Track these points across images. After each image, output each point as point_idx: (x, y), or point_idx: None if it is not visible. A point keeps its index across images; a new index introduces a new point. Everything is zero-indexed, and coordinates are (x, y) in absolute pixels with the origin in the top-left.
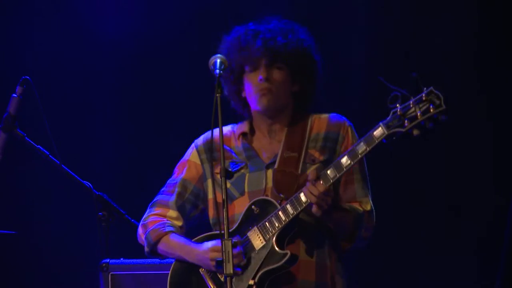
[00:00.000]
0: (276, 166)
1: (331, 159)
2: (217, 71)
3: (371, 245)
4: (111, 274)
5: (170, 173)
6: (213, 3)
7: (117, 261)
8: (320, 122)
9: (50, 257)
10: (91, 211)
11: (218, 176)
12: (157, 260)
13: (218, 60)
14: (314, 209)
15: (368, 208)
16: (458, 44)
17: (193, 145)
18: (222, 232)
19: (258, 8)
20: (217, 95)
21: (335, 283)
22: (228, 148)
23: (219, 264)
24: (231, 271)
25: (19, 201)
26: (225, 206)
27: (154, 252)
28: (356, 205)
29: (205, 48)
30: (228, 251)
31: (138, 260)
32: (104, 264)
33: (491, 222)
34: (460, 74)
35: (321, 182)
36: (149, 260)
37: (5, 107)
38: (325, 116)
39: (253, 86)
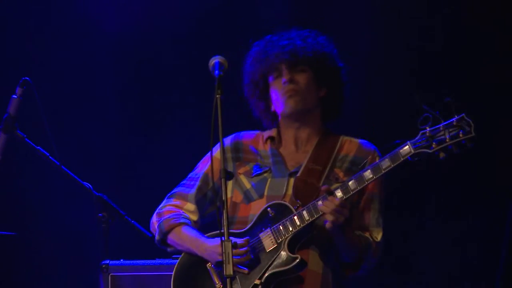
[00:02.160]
0: (298, 174)
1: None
2: (217, 72)
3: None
4: (111, 275)
5: (170, 175)
6: (216, 3)
7: (117, 262)
8: (350, 145)
9: (50, 258)
10: (91, 212)
11: (240, 176)
12: (157, 261)
13: (218, 61)
14: (329, 222)
15: (379, 239)
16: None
17: (220, 143)
18: (223, 232)
19: (259, 9)
20: (217, 96)
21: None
22: (255, 150)
23: (219, 265)
24: (231, 272)
25: (19, 202)
26: (226, 207)
27: (164, 241)
28: (367, 235)
29: (207, 48)
30: (228, 252)
31: (138, 261)
32: (104, 265)
33: (491, 222)
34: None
35: (340, 193)
36: (149, 261)
37: (5, 108)
38: (356, 140)
39: (279, 91)
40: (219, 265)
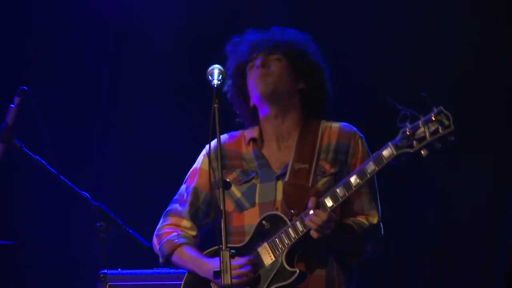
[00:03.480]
0: (286, 178)
1: (342, 172)
2: (215, 81)
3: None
4: (109, 285)
5: (168, 183)
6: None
7: (115, 271)
8: (330, 132)
9: (48, 268)
10: (89, 221)
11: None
12: (155, 270)
13: (216, 71)
14: (315, 235)
15: (375, 221)
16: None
17: (204, 152)
18: (220, 245)
19: (262, 13)
20: (215, 105)
21: None
22: (239, 154)
23: (217, 274)
24: (229, 282)
25: (16, 211)
26: (224, 216)
27: (168, 262)
28: (362, 219)
29: (208, 56)
30: (226, 262)
31: (136, 271)
32: (102, 275)
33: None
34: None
35: (330, 200)
36: (146, 271)
37: (3, 117)
38: (336, 125)
39: (252, 77)
40: (216, 275)
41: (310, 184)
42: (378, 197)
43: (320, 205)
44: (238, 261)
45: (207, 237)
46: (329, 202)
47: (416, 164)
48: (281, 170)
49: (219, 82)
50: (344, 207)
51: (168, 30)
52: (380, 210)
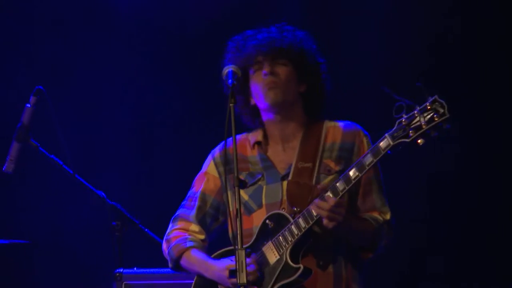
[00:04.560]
0: (290, 177)
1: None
2: (231, 81)
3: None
4: (125, 284)
5: (183, 183)
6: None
7: (131, 270)
8: (335, 131)
9: (64, 267)
10: (105, 220)
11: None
12: (170, 269)
13: (231, 70)
14: (325, 222)
15: (388, 217)
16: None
17: (210, 156)
18: (236, 245)
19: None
20: (231, 105)
21: None
22: (244, 157)
23: (233, 273)
24: (245, 281)
25: (32, 210)
26: (239, 215)
27: (177, 267)
28: (376, 215)
29: (218, 57)
30: (242, 261)
31: (152, 270)
32: (117, 274)
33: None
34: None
35: (331, 195)
36: (162, 270)
37: (19, 117)
38: (340, 124)
39: (259, 83)
40: (232, 274)
41: (313, 183)
42: (385, 193)
43: (322, 197)
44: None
45: (216, 244)
46: (329, 196)
47: None
48: (286, 170)
49: (235, 82)
50: (356, 205)
51: (179, 30)
52: (390, 208)
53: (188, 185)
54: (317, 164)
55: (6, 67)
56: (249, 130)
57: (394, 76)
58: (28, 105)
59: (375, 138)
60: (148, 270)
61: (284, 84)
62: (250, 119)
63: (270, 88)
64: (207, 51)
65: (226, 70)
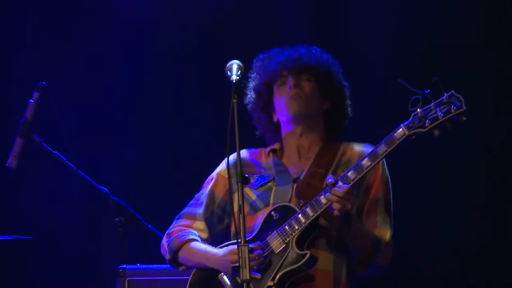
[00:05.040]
0: (301, 177)
1: (358, 186)
2: (234, 77)
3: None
4: (128, 280)
5: (187, 179)
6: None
7: (134, 266)
8: (353, 151)
9: (67, 263)
10: (108, 216)
11: (245, 189)
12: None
13: (235, 66)
14: (336, 208)
15: (387, 238)
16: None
17: (224, 160)
18: (239, 239)
19: (275, 13)
20: (234, 101)
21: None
22: (258, 163)
23: (236, 269)
24: (248, 277)
25: (35, 206)
26: (242, 211)
27: (175, 260)
28: (376, 232)
29: (224, 53)
30: (245, 257)
31: (155, 266)
32: (121, 270)
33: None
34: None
35: (341, 183)
36: (165, 266)
37: (22, 112)
38: (359, 145)
39: (283, 96)
40: (235, 270)
41: (323, 186)
42: (392, 217)
43: (334, 185)
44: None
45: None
46: (339, 183)
47: None
48: (298, 174)
49: (238, 78)
50: (357, 212)
51: (185, 31)
52: (392, 229)
53: (193, 181)
54: (330, 171)
55: (9, 63)
56: (266, 145)
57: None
58: (31, 101)
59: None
60: (151, 266)
61: (308, 97)
62: (272, 137)
63: (294, 99)
64: (212, 46)
65: (229, 65)
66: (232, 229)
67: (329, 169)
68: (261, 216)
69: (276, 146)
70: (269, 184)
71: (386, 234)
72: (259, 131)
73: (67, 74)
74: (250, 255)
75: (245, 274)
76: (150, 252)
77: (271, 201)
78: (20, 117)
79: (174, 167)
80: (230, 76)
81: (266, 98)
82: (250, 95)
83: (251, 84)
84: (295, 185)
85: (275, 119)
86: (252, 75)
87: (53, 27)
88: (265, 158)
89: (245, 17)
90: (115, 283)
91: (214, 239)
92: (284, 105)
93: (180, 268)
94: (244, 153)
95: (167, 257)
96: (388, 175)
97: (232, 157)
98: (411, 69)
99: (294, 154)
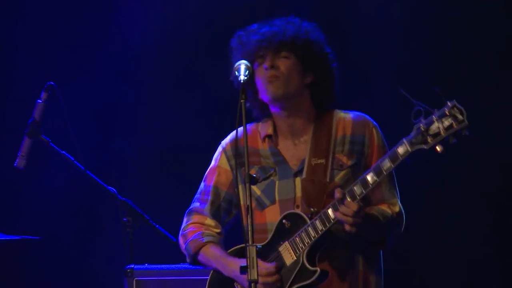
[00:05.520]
0: (304, 175)
1: (359, 163)
2: (241, 77)
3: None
4: (136, 280)
5: (194, 179)
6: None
7: (142, 266)
8: (345, 123)
9: (75, 263)
10: (116, 216)
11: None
12: (182, 265)
13: (242, 66)
14: (348, 228)
15: (397, 210)
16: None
17: (220, 148)
18: (247, 242)
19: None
20: (241, 101)
21: (369, 282)
22: (256, 150)
23: (243, 270)
24: (256, 277)
25: (43, 206)
26: (250, 212)
27: (195, 261)
28: (384, 207)
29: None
30: (253, 257)
31: (163, 266)
32: (128, 270)
33: None
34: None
35: (349, 199)
36: (173, 266)
37: (30, 113)
38: (349, 116)
39: (261, 77)
40: (243, 270)
41: (328, 180)
42: (397, 185)
43: (342, 202)
44: (266, 267)
45: (230, 235)
46: (348, 199)
47: None
48: (298, 166)
49: (245, 78)
50: (365, 196)
51: (188, 26)
52: (399, 198)
53: (198, 179)
54: (329, 160)
55: (18, 63)
56: (258, 119)
57: (407, 77)
58: (40, 101)
59: (391, 141)
60: (159, 266)
61: (285, 77)
62: (260, 113)
63: (271, 81)
64: (216, 44)
65: (237, 66)
66: (244, 222)
67: (328, 157)
68: (270, 214)
69: (269, 129)
70: (272, 177)
71: (395, 205)
72: (247, 106)
73: (73, 74)
74: (268, 279)
75: (253, 274)
76: (158, 252)
77: (277, 198)
78: (28, 117)
79: (181, 167)
80: (238, 76)
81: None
82: (234, 75)
83: (231, 60)
84: (297, 179)
85: (259, 97)
86: (232, 52)
87: (59, 27)
88: (261, 143)
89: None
90: (123, 283)
91: (226, 227)
92: (263, 87)
93: (204, 266)
94: (240, 135)
95: (187, 260)
96: (385, 141)
97: (230, 145)
98: (421, 65)
99: (288, 139)
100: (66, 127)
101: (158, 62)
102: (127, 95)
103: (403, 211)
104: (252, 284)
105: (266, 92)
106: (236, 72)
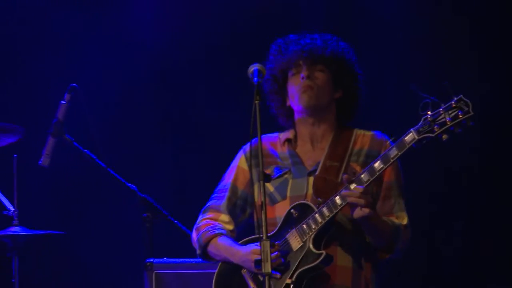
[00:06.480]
0: (317, 172)
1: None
2: (256, 79)
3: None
4: (155, 273)
5: (211, 177)
6: (255, 16)
7: (161, 260)
8: (364, 139)
9: (98, 256)
10: (136, 212)
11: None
12: (199, 259)
13: (257, 68)
14: (360, 213)
15: (405, 222)
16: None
17: (241, 151)
18: (261, 234)
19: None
20: (256, 102)
21: (369, 280)
22: (274, 152)
23: (258, 263)
24: (269, 270)
25: (68, 203)
26: (264, 208)
27: (205, 254)
28: (393, 219)
29: (248, 57)
30: (266, 251)
31: (181, 259)
32: (148, 263)
33: None
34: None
35: (355, 185)
36: (191, 260)
37: (54, 113)
38: (369, 133)
39: (295, 85)
40: (257, 264)
41: (339, 180)
42: (404, 201)
43: (348, 188)
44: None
45: (242, 233)
46: (353, 186)
47: None
48: (313, 167)
49: (259, 80)
50: (375, 208)
51: (209, 30)
52: (407, 213)
53: (215, 178)
54: (344, 165)
55: (43, 66)
56: (281, 130)
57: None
58: (63, 102)
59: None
60: (177, 259)
61: (320, 88)
62: (285, 120)
63: (305, 91)
64: (237, 50)
65: (252, 68)
66: (255, 219)
67: (343, 162)
68: (279, 209)
69: (290, 135)
70: (286, 176)
71: (403, 218)
72: (272, 110)
73: (94, 75)
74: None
75: (267, 267)
76: (176, 247)
77: (288, 194)
78: (52, 117)
79: (200, 164)
80: (252, 79)
81: (281, 83)
82: (267, 77)
83: (267, 65)
84: (310, 178)
85: (287, 103)
86: (269, 58)
87: (84, 31)
88: (280, 147)
89: (269, 26)
90: (143, 276)
91: (239, 228)
92: (296, 95)
93: (212, 261)
94: (262, 140)
95: (197, 251)
96: (398, 161)
97: (249, 147)
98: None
99: (308, 144)
100: (88, 127)
101: (179, 60)
102: (146, 94)
103: (409, 225)
104: (266, 278)
105: (298, 100)
106: (251, 75)
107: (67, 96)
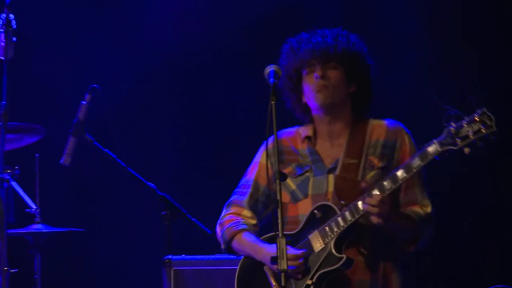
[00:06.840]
0: (337, 172)
1: (389, 166)
2: (272, 80)
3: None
4: (174, 270)
5: (229, 175)
6: (270, 15)
7: (179, 257)
8: (379, 129)
9: (117, 253)
10: (155, 210)
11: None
12: (217, 256)
13: (273, 70)
14: (374, 218)
15: (429, 210)
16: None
17: (263, 147)
18: (277, 232)
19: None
20: (272, 102)
21: (389, 280)
22: (295, 149)
23: (274, 260)
24: (285, 267)
25: (88, 201)
26: (280, 206)
27: (230, 249)
28: (417, 209)
29: (263, 57)
30: (283, 248)
31: (199, 256)
32: (167, 260)
33: None
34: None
35: (377, 192)
36: (209, 257)
37: (75, 113)
38: (383, 123)
39: (311, 85)
40: (273, 261)
41: (359, 178)
42: (427, 187)
43: (370, 194)
44: (294, 252)
45: (265, 227)
46: (376, 192)
47: None
48: (332, 164)
49: (275, 81)
50: (399, 198)
51: (227, 29)
52: (430, 200)
53: (234, 176)
54: (362, 160)
55: (65, 68)
56: (300, 123)
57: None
58: (84, 102)
59: (419, 142)
60: (195, 256)
61: (334, 87)
62: (302, 115)
63: (320, 90)
64: (251, 50)
65: (268, 69)
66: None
67: (361, 158)
68: (302, 207)
69: (310, 131)
70: (307, 174)
71: (427, 207)
72: (288, 105)
73: (112, 75)
74: (294, 262)
75: (283, 264)
76: (194, 244)
77: (310, 192)
78: (73, 117)
79: (218, 164)
80: (268, 79)
81: (295, 81)
82: (281, 74)
83: (281, 63)
84: (330, 176)
85: (303, 101)
86: (282, 55)
87: (105, 32)
88: (301, 144)
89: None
90: (162, 273)
91: (262, 222)
92: (311, 95)
93: (236, 256)
94: (282, 136)
95: (222, 246)
96: (416, 148)
97: (271, 143)
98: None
99: (326, 141)
100: (108, 127)
101: (197, 60)
102: (166, 95)
103: (434, 212)
104: (282, 274)
105: (314, 99)
106: (267, 76)
107: (88, 97)
